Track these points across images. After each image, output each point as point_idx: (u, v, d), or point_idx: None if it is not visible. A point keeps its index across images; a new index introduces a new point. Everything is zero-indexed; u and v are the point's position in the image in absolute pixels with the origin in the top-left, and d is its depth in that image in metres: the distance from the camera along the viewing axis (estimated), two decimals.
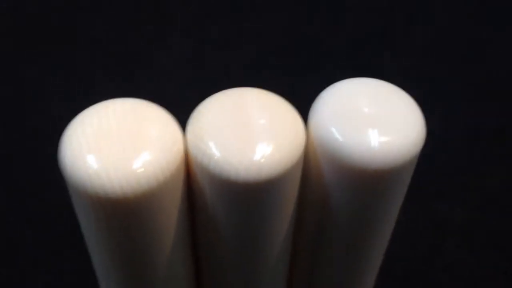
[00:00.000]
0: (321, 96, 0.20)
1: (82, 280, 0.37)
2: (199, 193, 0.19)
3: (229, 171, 0.18)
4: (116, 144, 0.18)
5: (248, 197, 0.18)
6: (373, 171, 0.18)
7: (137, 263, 0.20)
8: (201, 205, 0.20)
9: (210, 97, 0.20)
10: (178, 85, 0.46)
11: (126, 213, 0.18)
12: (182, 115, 0.20)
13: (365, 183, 0.19)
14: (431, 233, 0.39)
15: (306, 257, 0.24)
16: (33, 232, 0.39)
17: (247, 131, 0.18)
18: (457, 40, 0.50)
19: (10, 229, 0.39)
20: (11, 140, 0.43)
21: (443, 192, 0.42)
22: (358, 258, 0.23)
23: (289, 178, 0.19)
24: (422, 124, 0.19)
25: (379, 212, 0.21)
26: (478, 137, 0.45)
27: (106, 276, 0.22)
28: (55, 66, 0.48)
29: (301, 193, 0.21)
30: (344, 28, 0.50)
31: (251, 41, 0.49)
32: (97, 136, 0.18)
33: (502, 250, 0.39)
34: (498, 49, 0.50)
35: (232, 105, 0.19)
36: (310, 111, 0.20)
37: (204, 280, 0.23)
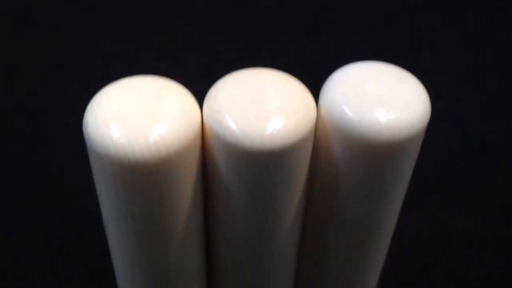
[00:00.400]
0: (331, 77, 0.22)
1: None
2: (214, 164, 0.21)
3: (244, 140, 0.19)
4: (138, 114, 0.20)
5: (262, 166, 0.20)
6: (381, 144, 0.20)
7: (153, 234, 0.22)
8: (216, 176, 0.21)
9: (227, 75, 0.21)
10: (196, 67, 0.49)
11: (145, 179, 0.20)
12: (199, 93, 0.22)
13: (373, 156, 0.21)
14: (436, 240, 0.41)
15: (316, 235, 0.25)
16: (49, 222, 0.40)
17: (262, 104, 0.20)
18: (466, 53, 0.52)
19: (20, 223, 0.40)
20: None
21: (449, 199, 0.43)
22: (367, 235, 0.24)
23: (301, 149, 0.20)
24: (427, 102, 0.21)
25: (387, 186, 0.22)
26: (484, 145, 0.47)
27: (121, 254, 0.23)
28: (78, 46, 0.51)
29: (312, 168, 0.22)
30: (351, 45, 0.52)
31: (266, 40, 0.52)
32: (120, 107, 0.20)
33: (508, 256, 0.40)
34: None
35: (247, 82, 0.21)
36: (321, 90, 0.22)
37: (215, 254, 0.25)
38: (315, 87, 0.22)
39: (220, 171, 0.21)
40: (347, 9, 0.54)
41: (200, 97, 0.21)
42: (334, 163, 0.22)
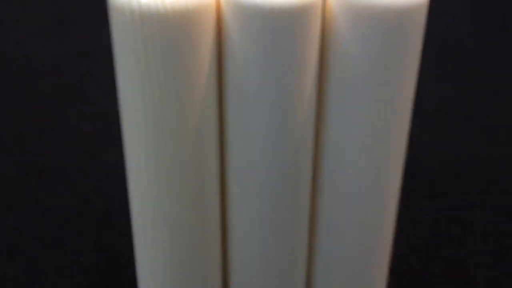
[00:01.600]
0: None
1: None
2: (229, 32, 0.24)
3: (257, 1, 0.23)
4: None
5: (275, 27, 0.23)
6: (386, 12, 0.23)
7: (170, 101, 0.24)
8: (231, 46, 0.24)
9: None
10: None
11: (164, 32, 0.22)
12: None
13: (380, 25, 0.24)
14: (453, 235, 0.43)
15: (328, 123, 0.27)
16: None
17: None
18: None
19: None
20: None
21: (465, 196, 0.46)
22: (378, 134, 0.27)
23: (309, 16, 0.23)
24: None
25: (396, 64, 0.25)
26: (498, 141, 0.50)
27: (135, 128, 0.25)
28: None
29: (323, 49, 0.25)
30: None
31: None
32: None
33: None
34: None
35: None
36: None
37: (228, 145, 0.27)
38: None
39: (235, 39, 0.24)
40: None
41: None
42: (344, 41, 0.25)
